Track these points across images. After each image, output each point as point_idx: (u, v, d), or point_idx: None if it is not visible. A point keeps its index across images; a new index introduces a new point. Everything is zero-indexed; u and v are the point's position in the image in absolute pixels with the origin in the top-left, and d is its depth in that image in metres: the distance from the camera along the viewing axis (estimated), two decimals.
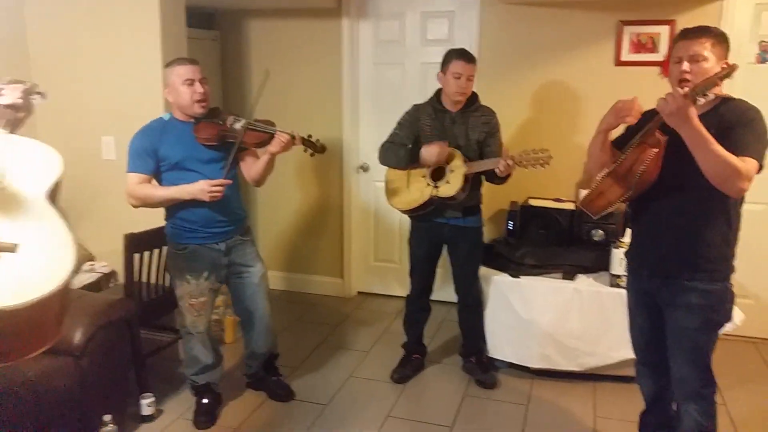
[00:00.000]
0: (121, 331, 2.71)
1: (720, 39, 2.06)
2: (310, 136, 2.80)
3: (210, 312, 2.85)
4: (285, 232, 4.60)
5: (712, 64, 2.02)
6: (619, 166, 2.12)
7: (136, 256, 2.90)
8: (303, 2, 4.11)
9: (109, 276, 3.37)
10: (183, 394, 3.09)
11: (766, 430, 2.88)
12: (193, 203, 2.63)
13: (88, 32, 3.29)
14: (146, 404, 2.84)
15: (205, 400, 2.90)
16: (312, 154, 2.82)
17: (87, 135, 3.39)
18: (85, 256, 3.39)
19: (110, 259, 3.36)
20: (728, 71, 1.83)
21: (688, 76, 2.03)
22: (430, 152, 2.95)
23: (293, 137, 2.69)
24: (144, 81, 3.25)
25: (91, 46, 3.30)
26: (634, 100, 2.16)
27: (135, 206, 2.65)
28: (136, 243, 2.89)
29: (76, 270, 3.26)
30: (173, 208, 2.70)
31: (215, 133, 2.65)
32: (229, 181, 2.59)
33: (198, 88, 2.63)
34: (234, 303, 2.99)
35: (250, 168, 2.82)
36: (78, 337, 2.45)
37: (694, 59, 2.03)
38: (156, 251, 2.98)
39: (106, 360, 2.58)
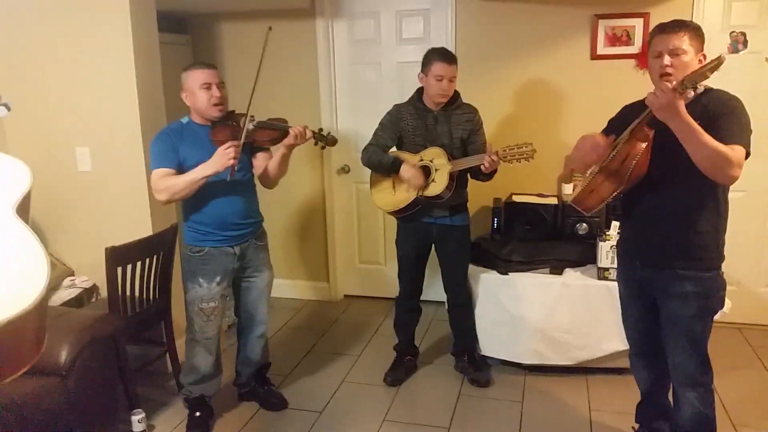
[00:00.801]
0: (107, 348, 2.62)
1: (697, 32, 2.09)
2: (321, 129, 2.85)
3: (220, 318, 2.82)
4: (268, 238, 4.52)
5: (691, 57, 2.06)
6: (610, 163, 2.13)
7: (119, 269, 2.82)
8: (275, 3, 4.04)
9: (91, 291, 3.28)
10: (174, 408, 3.02)
11: (756, 412, 2.93)
12: (207, 202, 2.65)
13: (57, 40, 3.18)
14: (137, 420, 2.76)
15: (197, 413, 2.84)
16: (323, 147, 2.88)
17: (60, 146, 3.28)
18: (64, 272, 3.29)
19: (91, 273, 3.27)
20: (717, 63, 1.84)
21: (669, 70, 2.05)
22: (405, 173, 2.96)
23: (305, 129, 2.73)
24: (117, 89, 3.16)
25: (60, 54, 3.19)
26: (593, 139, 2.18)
27: (163, 201, 2.62)
28: (118, 256, 2.80)
29: (56, 287, 3.17)
30: (188, 209, 2.71)
31: (230, 135, 2.63)
32: (239, 142, 2.55)
33: (215, 92, 2.64)
34: (236, 305, 2.97)
35: (264, 168, 2.83)
36: (63, 356, 2.36)
37: (674, 53, 2.06)
38: (139, 263, 2.90)
39: (93, 378, 2.50)
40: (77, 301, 3.15)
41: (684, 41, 2.05)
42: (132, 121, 3.17)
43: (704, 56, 2.09)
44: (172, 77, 3.86)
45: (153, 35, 3.33)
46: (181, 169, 2.61)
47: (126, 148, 3.20)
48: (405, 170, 2.97)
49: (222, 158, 2.51)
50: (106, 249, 2.77)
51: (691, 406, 2.24)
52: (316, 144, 2.83)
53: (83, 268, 3.33)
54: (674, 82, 1.90)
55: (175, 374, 3.13)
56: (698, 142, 1.91)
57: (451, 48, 3.87)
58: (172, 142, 2.62)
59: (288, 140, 2.69)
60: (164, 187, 2.56)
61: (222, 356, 2.91)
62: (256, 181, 2.90)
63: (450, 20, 3.96)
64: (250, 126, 2.65)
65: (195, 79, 2.62)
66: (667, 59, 2.06)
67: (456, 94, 3.11)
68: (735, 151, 1.94)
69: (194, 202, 2.67)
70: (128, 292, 2.88)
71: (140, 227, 3.14)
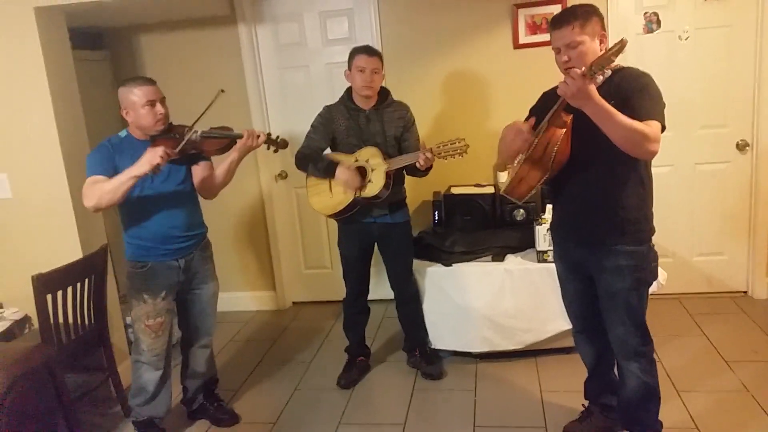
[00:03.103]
0: (42, 380, 2.50)
1: (587, 17, 2.10)
2: (269, 133, 2.81)
3: (168, 333, 2.73)
4: None
5: (588, 45, 2.09)
6: (534, 151, 2.15)
7: (49, 297, 2.69)
8: (194, 12, 3.96)
9: (23, 322, 3.09)
10: None
11: (696, 376, 3.04)
12: (148, 217, 2.58)
13: None
14: None
15: None
16: (275, 151, 2.87)
17: None
18: None
19: (21, 304, 3.09)
20: (620, 47, 1.83)
21: (570, 65, 2.08)
22: (341, 175, 2.95)
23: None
24: (32, 110, 3.04)
25: None
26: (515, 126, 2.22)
27: (91, 207, 2.45)
28: (47, 283, 2.68)
29: None
30: (129, 224, 2.63)
31: (173, 148, 2.54)
32: (176, 153, 2.49)
33: (159, 109, 2.57)
34: (180, 317, 2.87)
35: (206, 178, 2.77)
36: None
37: (570, 47, 2.09)
38: (70, 289, 2.78)
39: (28, 412, 2.37)
40: (8, 334, 2.98)
41: (575, 33, 2.08)
42: (51, 142, 3.05)
43: (604, 36, 2.12)
44: (91, 94, 3.75)
45: (66, 53, 3.21)
46: None
47: (47, 170, 3.08)
48: (341, 173, 2.95)
49: (150, 156, 2.40)
50: (33, 277, 2.64)
51: (635, 377, 2.30)
52: (268, 148, 2.83)
53: (12, 300, 3.16)
54: (583, 68, 1.90)
55: (120, 399, 3.03)
56: (614, 123, 1.94)
57: (377, 46, 3.87)
58: (110, 153, 2.54)
59: (242, 142, 2.66)
60: (92, 191, 2.44)
61: (171, 376, 2.82)
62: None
63: (374, 18, 3.96)
64: (195, 137, 2.59)
65: (137, 96, 2.52)
66: (564, 55, 2.11)
67: (386, 92, 3.12)
68: (651, 127, 1.98)
69: (135, 217, 2.60)
70: (61, 320, 2.76)
71: (69, 251, 3.02)
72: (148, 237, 2.62)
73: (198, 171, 2.77)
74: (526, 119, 2.40)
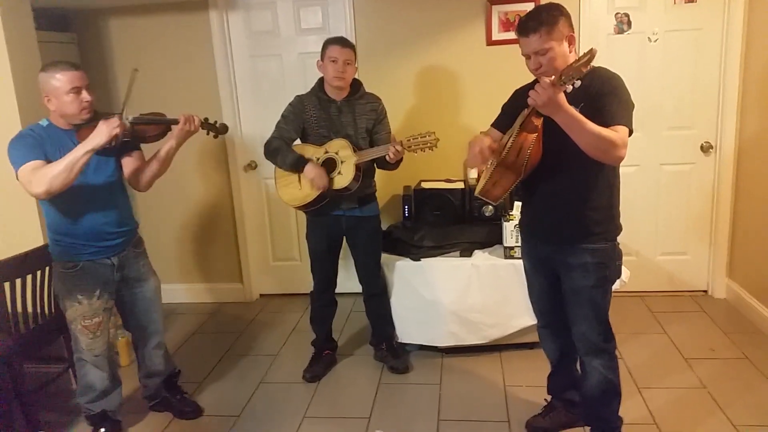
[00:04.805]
0: None
1: (553, 21, 2.08)
2: (206, 119, 2.73)
3: (107, 332, 2.65)
4: (173, 242, 4.35)
5: (557, 49, 2.08)
6: (506, 157, 2.15)
7: (6, 285, 2.62)
8: None
9: None
10: (80, 426, 2.85)
11: (657, 373, 3.10)
12: (77, 213, 2.46)
13: None
14: None
15: (102, 430, 2.68)
16: (215, 136, 2.78)
17: None
18: None
19: None
20: (589, 57, 1.83)
21: (541, 70, 2.10)
22: (310, 173, 2.91)
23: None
24: None
25: None
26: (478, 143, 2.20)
27: (42, 193, 2.28)
28: (4, 270, 2.60)
29: None
30: (55, 222, 2.49)
31: None
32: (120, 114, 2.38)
33: (85, 96, 2.42)
34: (125, 319, 2.80)
35: (138, 168, 2.65)
36: None
37: (539, 54, 2.10)
38: (29, 277, 2.71)
39: None
40: None
41: (542, 40, 2.07)
42: (11, 125, 2.96)
43: (572, 37, 2.12)
44: None
45: (29, 33, 3.14)
46: None
47: (6, 155, 2.98)
48: (309, 170, 2.92)
49: (107, 127, 2.28)
50: None
51: (597, 373, 2.33)
52: (208, 133, 2.74)
53: None
54: (552, 77, 1.90)
55: None
56: (582, 131, 1.95)
57: (350, 37, 3.85)
58: (38, 141, 2.37)
59: (179, 127, 2.56)
60: (40, 176, 2.26)
61: (119, 368, 2.77)
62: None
63: (348, 9, 3.94)
64: (126, 124, 2.45)
65: (61, 82, 2.36)
66: (534, 62, 2.12)
67: (358, 84, 3.10)
68: (619, 133, 1.99)
69: (62, 213, 2.47)
70: (20, 308, 2.69)
71: (29, 238, 2.94)
72: (79, 234, 2.49)
73: (129, 162, 2.64)
74: (498, 116, 2.42)
